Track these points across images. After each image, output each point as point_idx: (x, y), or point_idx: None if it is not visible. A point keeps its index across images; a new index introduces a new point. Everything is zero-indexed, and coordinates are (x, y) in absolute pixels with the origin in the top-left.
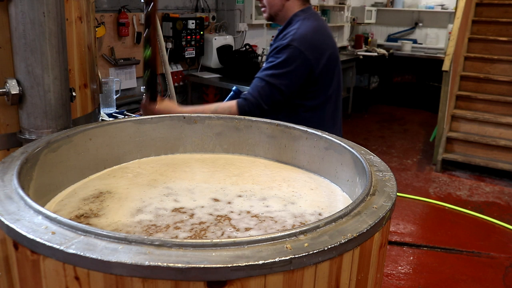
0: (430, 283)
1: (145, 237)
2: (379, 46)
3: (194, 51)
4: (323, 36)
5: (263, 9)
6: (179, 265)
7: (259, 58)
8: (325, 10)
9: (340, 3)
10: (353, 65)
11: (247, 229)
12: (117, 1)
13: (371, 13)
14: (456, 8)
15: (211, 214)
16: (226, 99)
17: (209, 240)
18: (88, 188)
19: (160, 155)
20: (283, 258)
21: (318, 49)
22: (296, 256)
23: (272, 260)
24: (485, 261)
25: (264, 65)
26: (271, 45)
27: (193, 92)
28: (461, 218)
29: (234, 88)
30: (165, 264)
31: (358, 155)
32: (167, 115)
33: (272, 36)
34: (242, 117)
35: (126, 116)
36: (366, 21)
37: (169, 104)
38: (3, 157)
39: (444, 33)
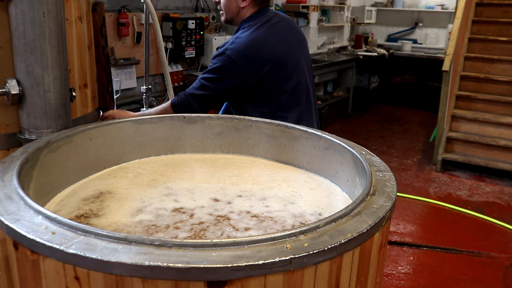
0: (430, 283)
1: (145, 237)
2: (379, 46)
3: (194, 51)
4: (261, 46)
5: (221, 12)
6: (179, 265)
7: None
8: (325, 10)
9: (340, 3)
10: (353, 65)
11: (246, 229)
12: (117, 1)
13: (371, 13)
14: (456, 8)
15: (211, 214)
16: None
17: (209, 240)
18: (88, 188)
19: (160, 155)
20: (283, 258)
21: (252, 58)
22: (296, 256)
23: (272, 260)
24: (485, 261)
25: (211, 63)
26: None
27: None
28: (461, 218)
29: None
30: (165, 264)
31: (358, 155)
32: (166, 115)
33: None
34: (242, 117)
35: None
36: (366, 21)
37: (121, 112)
38: (3, 157)
39: (444, 33)
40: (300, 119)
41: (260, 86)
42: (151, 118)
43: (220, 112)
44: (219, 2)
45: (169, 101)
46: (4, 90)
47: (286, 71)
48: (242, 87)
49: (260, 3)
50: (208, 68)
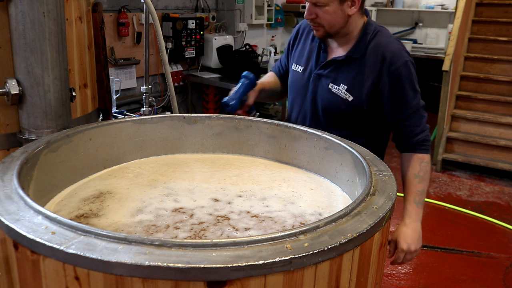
0: (430, 283)
1: (145, 237)
2: None
3: (194, 51)
4: None
5: (316, 28)
6: (179, 265)
7: (259, 58)
8: None
9: None
10: None
11: (246, 229)
12: (117, 1)
13: (371, 13)
14: (456, 8)
15: (210, 214)
16: (239, 87)
17: (209, 240)
18: (88, 188)
19: (160, 155)
20: (283, 258)
21: None
22: (296, 256)
23: (272, 260)
24: (485, 261)
25: (407, 88)
26: (345, 57)
27: (193, 92)
28: (461, 218)
29: (245, 73)
30: (165, 264)
31: (358, 155)
32: (166, 115)
33: (272, 38)
34: (242, 117)
35: (126, 116)
36: None
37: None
38: (3, 157)
39: (444, 33)
40: None
41: None
42: (151, 118)
43: (240, 86)
44: (316, 18)
45: (427, 157)
46: (4, 90)
47: None
48: None
49: (362, 8)
50: (411, 83)
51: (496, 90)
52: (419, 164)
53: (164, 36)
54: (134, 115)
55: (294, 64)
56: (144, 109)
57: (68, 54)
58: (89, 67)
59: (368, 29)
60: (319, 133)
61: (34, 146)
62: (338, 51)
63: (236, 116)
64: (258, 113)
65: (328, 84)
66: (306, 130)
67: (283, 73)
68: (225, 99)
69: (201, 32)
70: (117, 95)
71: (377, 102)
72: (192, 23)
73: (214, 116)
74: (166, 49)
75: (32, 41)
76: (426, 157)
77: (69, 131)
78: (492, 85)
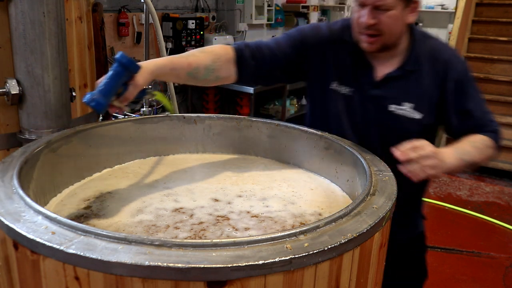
0: (430, 283)
1: (145, 237)
2: None
3: None
4: None
5: (372, 39)
6: (179, 265)
7: None
8: (325, 10)
9: (340, 3)
10: None
11: (246, 229)
12: (117, 1)
13: None
14: (456, 8)
15: (210, 214)
16: (109, 76)
17: (209, 240)
18: (88, 188)
19: (160, 155)
20: (283, 258)
21: None
22: (296, 256)
23: (272, 260)
24: (485, 261)
25: (472, 92)
26: (401, 71)
27: (193, 92)
28: (461, 218)
29: (118, 56)
30: (165, 264)
31: (358, 155)
32: (166, 115)
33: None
34: (242, 117)
35: (126, 116)
36: None
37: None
38: (3, 157)
39: (444, 33)
40: None
41: None
42: (151, 118)
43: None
44: (375, 24)
45: (493, 142)
46: (4, 90)
47: None
48: None
49: None
50: (474, 85)
51: (496, 90)
52: (480, 138)
53: (164, 36)
54: (134, 115)
55: (335, 84)
56: (144, 109)
57: (68, 54)
58: (89, 67)
59: (417, 36)
60: (319, 133)
61: (34, 146)
62: (386, 66)
63: (236, 116)
64: (149, 95)
65: (388, 106)
66: (306, 130)
67: (271, 63)
68: (87, 97)
69: (201, 32)
70: None
71: (441, 113)
72: (192, 23)
73: (214, 116)
74: (166, 49)
75: (32, 41)
76: (490, 140)
77: (69, 131)
78: (492, 85)
